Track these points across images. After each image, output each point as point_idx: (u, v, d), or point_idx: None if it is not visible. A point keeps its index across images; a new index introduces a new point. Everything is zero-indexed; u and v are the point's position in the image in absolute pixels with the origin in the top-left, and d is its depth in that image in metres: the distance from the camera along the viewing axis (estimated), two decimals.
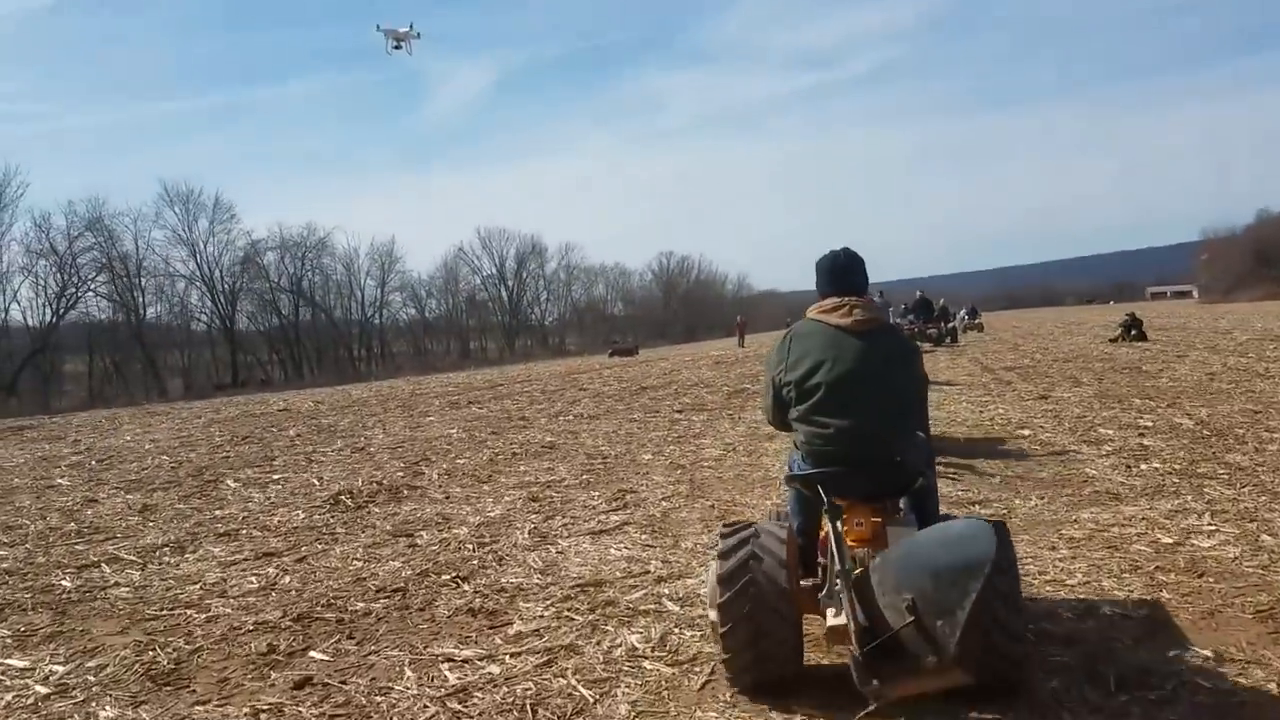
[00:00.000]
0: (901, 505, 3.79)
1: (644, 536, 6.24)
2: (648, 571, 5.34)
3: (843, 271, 3.85)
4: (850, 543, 3.42)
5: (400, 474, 9.69)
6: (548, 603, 4.91)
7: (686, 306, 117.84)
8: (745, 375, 22.65)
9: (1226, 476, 6.75)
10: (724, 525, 3.79)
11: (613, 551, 5.87)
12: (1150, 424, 9.60)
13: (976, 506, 6.42)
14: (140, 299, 70.49)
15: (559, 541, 6.26)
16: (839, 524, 3.40)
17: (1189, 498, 6.21)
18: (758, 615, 3.46)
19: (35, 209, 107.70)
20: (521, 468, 9.63)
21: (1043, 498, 6.61)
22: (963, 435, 9.94)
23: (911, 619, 2.82)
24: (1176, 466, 7.26)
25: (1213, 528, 5.40)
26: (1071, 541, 5.41)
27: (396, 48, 52.19)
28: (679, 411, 14.40)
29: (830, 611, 3.37)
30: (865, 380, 3.61)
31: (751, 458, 9.27)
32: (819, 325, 3.75)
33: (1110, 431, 9.33)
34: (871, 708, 3.06)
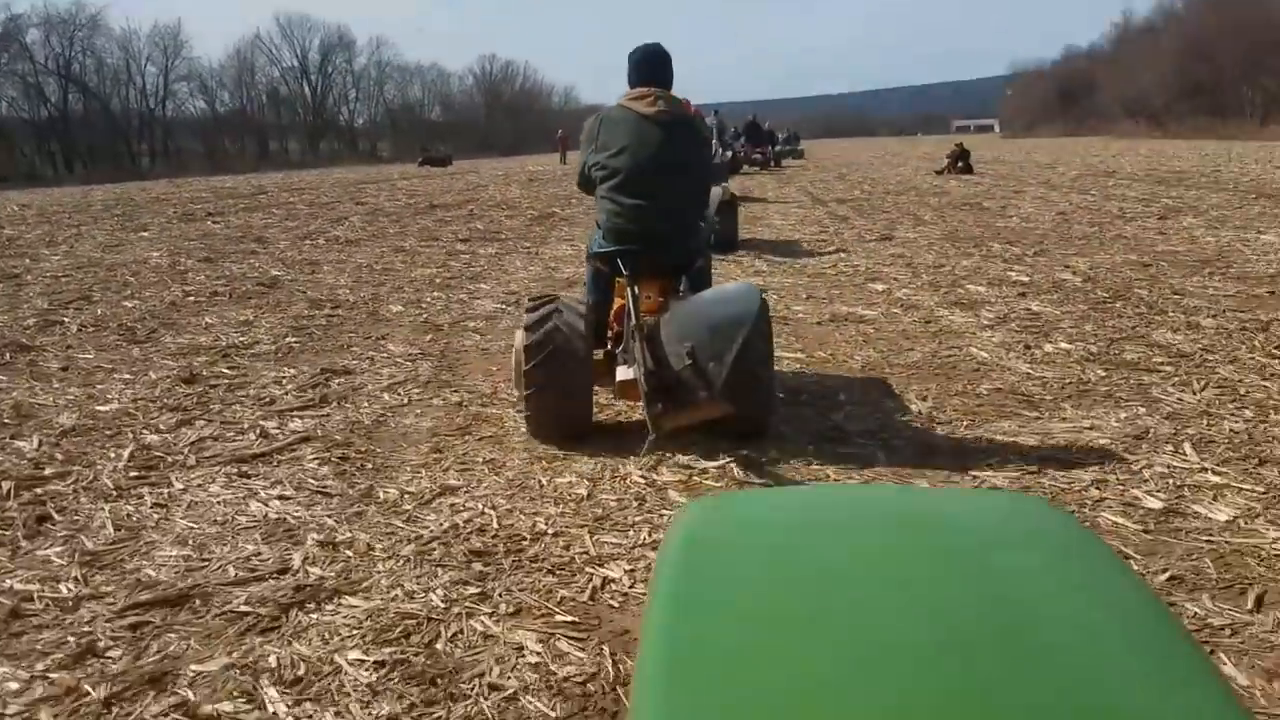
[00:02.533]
0: (684, 284, 4.06)
1: (324, 473, 3.81)
2: (287, 569, 2.95)
3: (651, 65, 4.08)
4: (644, 313, 3.82)
5: (31, 321, 6.79)
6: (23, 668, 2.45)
7: (511, 117, 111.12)
8: (558, 196, 19.98)
9: (1171, 369, 4.91)
10: (529, 299, 4.05)
11: (249, 511, 3.42)
12: (1027, 279, 7.81)
13: (838, 452, 4.33)
14: None
15: (172, 480, 3.74)
16: (633, 289, 3.82)
17: (1138, 406, 4.31)
18: (560, 381, 3.83)
19: None
20: (207, 320, 6.89)
21: (925, 399, 4.59)
22: (803, 289, 7.86)
23: (690, 362, 3.36)
24: (1093, 349, 5.39)
25: (1219, 479, 3.46)
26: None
27: None
28: (464, 240, 11.74)
29: (621, 369, 3.90)
30: (661, 166, 3.91)
31: None
32: (626, 112, 4.00)
33: (982, 289, 7.47)
34: (653, 438, 3.47)
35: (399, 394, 4.94)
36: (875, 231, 11.83)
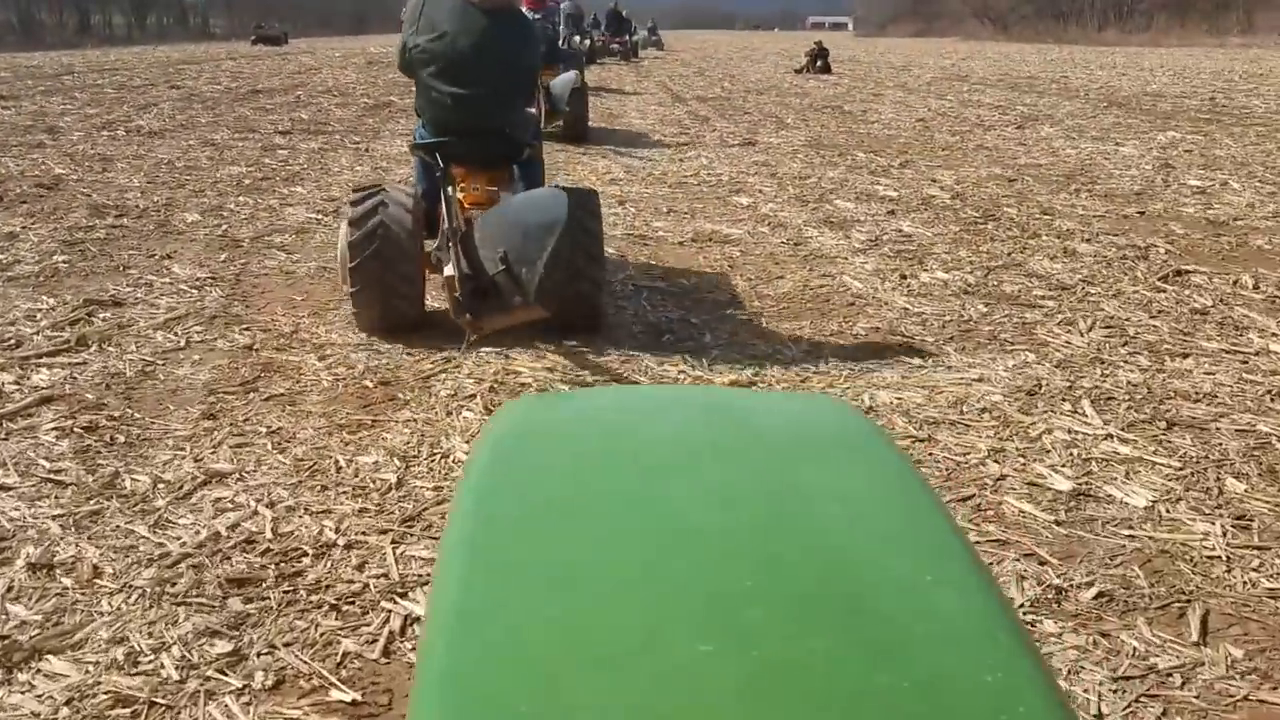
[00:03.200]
0: (516, 174, 4.06)
1: (61, 450, 2.98)
2: None
3: None
4: (468, 205, 3.82)
5: None
6: None
7: None
8: (397, 84, 18.44)
9: (1053, 304, 4.54)
10: (353, 190, 4.00)
11: None
12: (895, 194, 7.38)
13: (685, 371, 3.76)
14: None
15: None
16: (449, 189, 3.72)
17: (1026, 351, 3.90)
18: (387, 275, 3.72)
19: None
20: None
21: (799, 340, 4.07)
22: (664, 201, 7.20)
23: (504, 267, 3.28)
24: (970, 279, 4.98)
25: (1128, 449, 3.05)
26: None
27: None
28: (284, 133, 10.48)
29: (447, 267, 3.60)
30: (483, 54, 3.78)
31: None
32: None
33: (849, 205, 6.99)
34: (473, 338, 3.54)
35: (176, 333, 4.06)
36: (738, 135, 11.22)
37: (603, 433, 1.02)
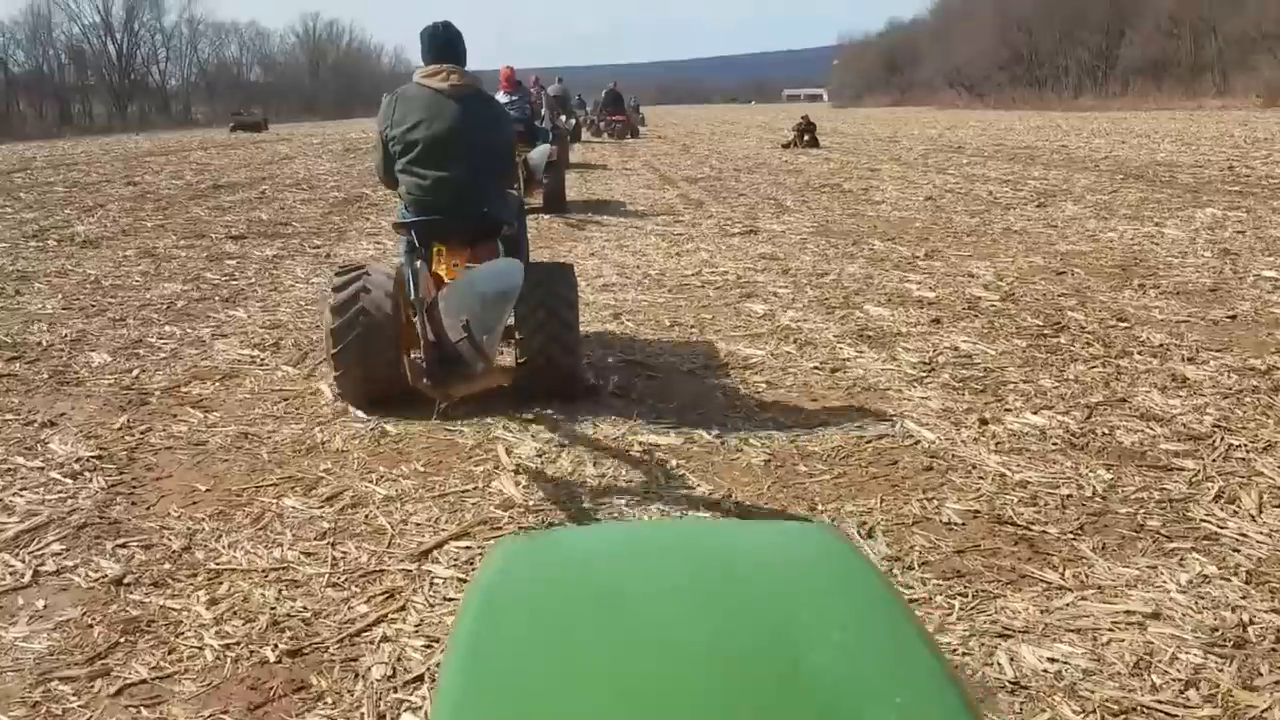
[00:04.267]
0: (501, 251, 4.10)
1: None
2: None
3: (442, 44, 4.13)
4: (449, 280, 3.92)
5: None
6: None
7: (338, 78, 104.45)
8: (371, 173, 17.62)
9: (1194, 465, 3.46)
10: (338, 268, 4.32)
11: None
12: (932, 295, 6.38)
13: None
14: None
15: None
16: (418, 263, 3.90)
17: (1193, 553, 2.82)
18: (368, 358, 3.98)
19: None
20: None
21: (871, 532, 2.98)
22: (665, 311, 6.18)
23: (465, 334, 3.26)
24: (1071, 425, 3.91)
25: None
26: None
27: None
28: (237, 237, 9.47)
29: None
30: (457, 138, 3.99)
31: (302, 375, 4.93)
32: (420, 88, 4.07)
33: (883, 312, 5.97)
34: (443, 406, 3.77)
35: (22, 559, 2.94)
36: (736, 221, 10.29)
37: (592, 577, 1.01)
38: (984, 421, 3.99)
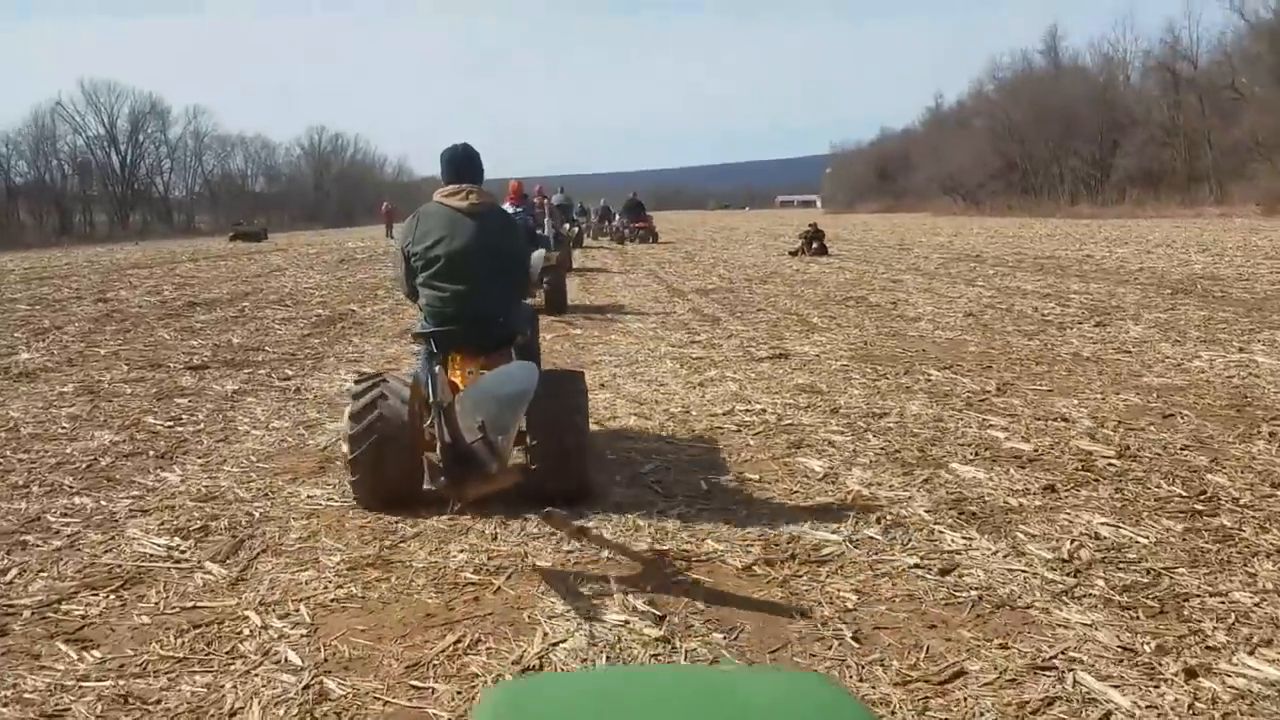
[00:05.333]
0: (514, 358, 4.28)
1: None
2: None
3: (460, 164, 4.47)
4: (463, 385, 4.12)
5: None
6: None
7: (341, 188, 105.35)
8: (364, 286, 16.77)
9: None
10: (355, 380, 4.36)
11: None
12: (1030, 448, 5.20)
13: None
14: None
15: None
16: (437, 368, 4.05)
17: None
18: (385, 465, 4.09)
19: None
20: None
21: None
22: (699, 478, 4.99)
23: (480, 435, 3.34)
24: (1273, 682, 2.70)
25: None
26: None
27: None
28: (197, 367, 8.31)
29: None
30: (475, 253, 4.28)
31: (228, 582, 3.70)
32: (441, 207, 4.38)
33: (978, 474, 4.78)
34: (457, 506, 3.81)
35: None
36: (761, 342, 9.21)
37: None
38: (1191, 674, 2.76)
